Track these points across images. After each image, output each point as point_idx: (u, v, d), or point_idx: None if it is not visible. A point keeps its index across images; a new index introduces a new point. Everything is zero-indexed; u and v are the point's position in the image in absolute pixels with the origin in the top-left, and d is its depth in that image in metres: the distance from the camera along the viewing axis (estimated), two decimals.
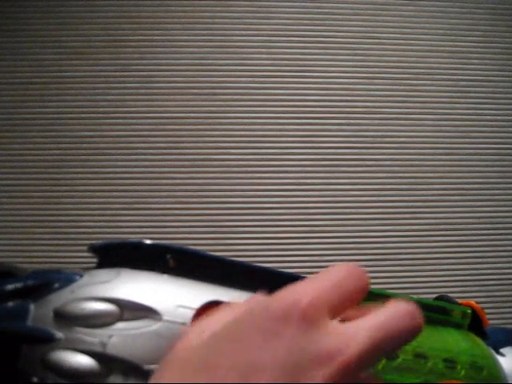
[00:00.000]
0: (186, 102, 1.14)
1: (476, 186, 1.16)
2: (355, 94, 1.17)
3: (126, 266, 0.29)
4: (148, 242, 0.30)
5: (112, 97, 1.14)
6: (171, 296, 0.28)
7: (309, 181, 1.13)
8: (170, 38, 1.17)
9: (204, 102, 1.15)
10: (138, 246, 0.30)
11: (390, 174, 1.15)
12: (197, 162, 1.12)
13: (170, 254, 0.30)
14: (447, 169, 1.16)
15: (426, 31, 1.21)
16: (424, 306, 0.36)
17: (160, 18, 1.17)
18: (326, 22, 1.20)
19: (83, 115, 1.13)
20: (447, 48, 1.21)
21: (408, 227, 1.13)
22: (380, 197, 1.14)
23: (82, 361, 0.26)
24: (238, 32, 1.18)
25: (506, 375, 0.36)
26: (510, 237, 1.16)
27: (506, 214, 1.16)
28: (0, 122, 1.12)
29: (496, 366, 0.36)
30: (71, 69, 1.14)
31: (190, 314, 0.27)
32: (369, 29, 1.20)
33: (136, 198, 1.10)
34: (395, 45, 1.20)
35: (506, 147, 1.19)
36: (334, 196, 1.13)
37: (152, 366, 0.26)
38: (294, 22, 1.19)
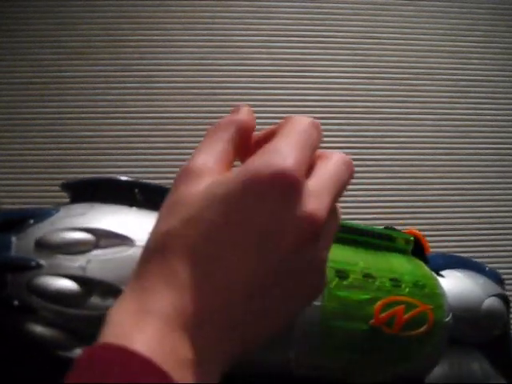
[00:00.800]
0: (186, 102, 1.14)
1: (476, 186, 1.17)
2: (355, 94, 1.17)
3: (97, 201, 0.31)
4: (118, 177, 0.32)
5: (112, 97, 1.14)
6: (141, 225, 0.30)
7: None
8: (169, 38, 1.17)
9: (204, 102, 1.15)
10: (109, 182, 0.32)
11: (390, 174, 1.15)
12: None
13: (137, 189, 0.32)
14: (447, 169, 1.16)
15: (425, 31, 1.21)
16: (372, 233, 0.41)
17: (160, 18, 1.17)
18: (326, 22, 1.20)
19: (83, 115, 1.13)
20: (447, 48, 1.21)
21: (408, 227, 1.13)
22: (380, 197, 1.14)
23: (64, 284, 0.28)
24: (238, 32, 1.18)
25: (445, 292, 0.40)
26: (509, 237, 1.16)
27: (506, 214, 1.16)
28: (0, 122, 1.12)
29: (436, 285, 0.40)
30: (71, 69, 1.14)
31: None
32: (369, 29, 1.20)
33: None
34: (395, 45, 1.20)
35: (506, 147, 1.19)
36: None
37: None
38: (294, 22, 1.19)
